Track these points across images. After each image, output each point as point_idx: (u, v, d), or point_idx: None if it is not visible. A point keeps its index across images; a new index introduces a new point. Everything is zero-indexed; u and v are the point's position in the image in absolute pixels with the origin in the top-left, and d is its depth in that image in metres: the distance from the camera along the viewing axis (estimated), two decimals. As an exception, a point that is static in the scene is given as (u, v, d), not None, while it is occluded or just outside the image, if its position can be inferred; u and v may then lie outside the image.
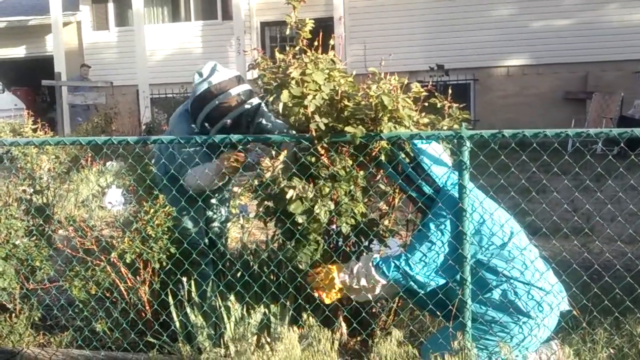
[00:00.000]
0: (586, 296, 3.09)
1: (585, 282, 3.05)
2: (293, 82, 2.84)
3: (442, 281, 2.80)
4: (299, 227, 2.89)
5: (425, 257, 2.77)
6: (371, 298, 2.98)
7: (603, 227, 4.36)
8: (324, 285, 2.92)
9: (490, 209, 2.85)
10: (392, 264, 2.80)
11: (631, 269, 3.32)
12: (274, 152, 2.97)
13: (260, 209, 3.03)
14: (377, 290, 2.92)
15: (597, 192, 3.39)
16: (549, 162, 3.04)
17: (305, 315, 2.98)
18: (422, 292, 2.84)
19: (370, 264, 2.85)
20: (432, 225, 2.79)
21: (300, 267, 2.94)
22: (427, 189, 2.89)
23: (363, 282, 2.86)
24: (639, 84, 12.77)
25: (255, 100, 3.33)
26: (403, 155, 2.92)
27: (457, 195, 2.81)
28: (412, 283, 2.80)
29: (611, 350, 3.00)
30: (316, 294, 2.95)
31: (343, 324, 3.00)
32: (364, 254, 3.07)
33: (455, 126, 3.09)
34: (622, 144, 9.11)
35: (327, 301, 2.95)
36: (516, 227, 2.85)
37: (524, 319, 2.74)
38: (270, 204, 2.98)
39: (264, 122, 3.46)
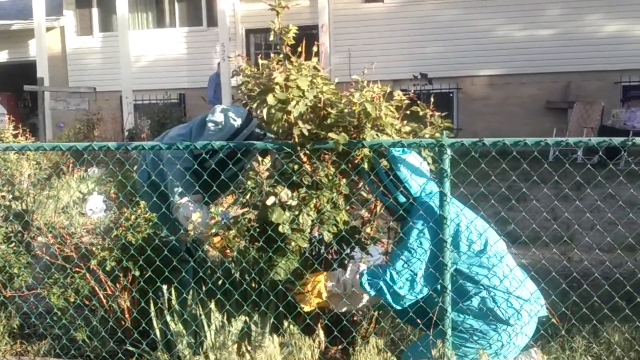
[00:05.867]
0: (565, 304, 3.12)
1: (565, 290, 3.07)
2: (277, 87, 2.84)
3: (426, 291, 2.80)
4: (280, 236, 2.88)
5: (413, 275, 2.76)
6: (354, 308, 2.98)
7: (582, 235, 4.40)
8: (310, 295, 2.90)
9: (469, 218, 2.86)
10: (380, 284, 2.77)
11: (609, 277, 3.35)
12: (259, 158, 2.96)
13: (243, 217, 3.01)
14: (364, 301, 2.93)
15: (577, 200, 3.42)
16: (529, 171, 3.07)
17: (286, 324, 2.97)
18: (402, 307, 2.83)
19: (357, 276, 2.84)
20: (413, 240, 2.78)
21: (279, 277, 2.93)
22: (403, 199, 2.91)
23: (349, 291, 2.86)
24: (620, 95, 12.95)
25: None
26: (385, 163, 2.93)
27: (434, 204, 2.82)
28: (394, 300, 2.79)
29: (589, 358, 3.04)
30: (301, 303, 2.94)
31: (321, 332, 2.99)
32: (349, 263, 3.06)
33: (437, 134, 3.11)
34: (600, 153, 9.24)
35: (307, 309, 2.94)
36: (494, 237, 2.87)
37: (503, 327, 2.76)
38: (254, 212, 2.96)
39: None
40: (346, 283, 2.86)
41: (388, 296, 2.78)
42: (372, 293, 2.81)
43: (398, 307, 2.83)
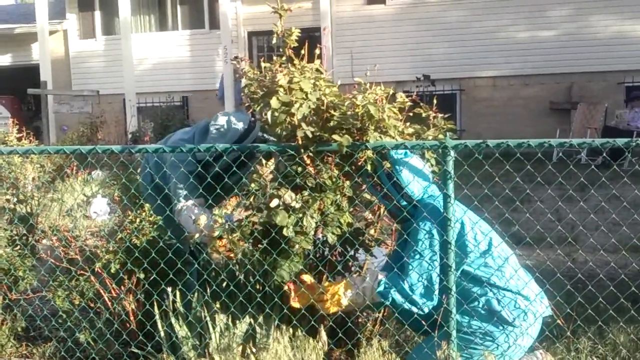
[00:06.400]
0: (570, 305, 3.11)
1: (570, 291, 3.07)
2: (281, 89, 2.84)
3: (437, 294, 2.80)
4: (283, 239, 2.88)
5: (429, 281, 2.76)
6: (357, 307, 2.98)
7: (587, 236, 4.39)
8: (330, 303, 2.89)
9: (473, 220, 2.86)
10: (397, 296, 2.77)
11: (615, 278, 3.34)
12: (264, 161, 2.97)
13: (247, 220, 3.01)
14: (365, 302, 2.93)
15: (581, 201, 3.42)
16: (533, 172, 3.07)
17: (289, 326, 2.97)
18: (424, 313, 2.83)
19: (375, 284, 2.83)
20: (422, 245, 2.77)
21: (282, 279, 2.93)
22: (405, 203, 2.91)
23: (368, 300, 2.86)
24: (623, 95, 12.93)
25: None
26: (388, 165, 2.93)
27: (439, 205, 2.82)
28: (416, 307, 2.79)
29: (595, 359, 3.03)
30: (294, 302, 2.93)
31: (323, 333, 2.99)
32: (365, 269, 3.05)
33: (440, 136, 3.11)
34: (604, 154, 9.22)
35: (296, 306, 2.93)
36: (497, 239, 2.87)
37: (509, 328, 2.75)
38: (258, 215, 2.96)
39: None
40: (365, 291, 2.86)
41: (407, 305, 2.78)
42: (390, 298, 2.80)
43: (422, 312, 2.81)
